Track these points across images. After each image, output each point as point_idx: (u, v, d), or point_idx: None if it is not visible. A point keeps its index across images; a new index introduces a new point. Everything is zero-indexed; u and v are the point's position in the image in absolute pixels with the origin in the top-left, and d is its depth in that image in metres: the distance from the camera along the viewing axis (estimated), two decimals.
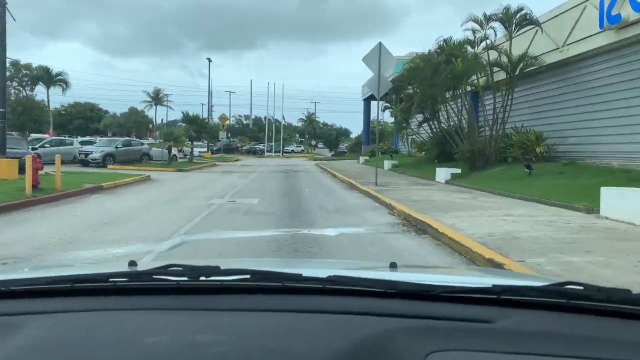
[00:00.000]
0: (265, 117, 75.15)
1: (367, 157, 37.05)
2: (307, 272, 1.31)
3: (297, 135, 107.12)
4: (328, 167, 28.43)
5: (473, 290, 1.19)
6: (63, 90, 43.67)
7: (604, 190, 9.60)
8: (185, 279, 1.20)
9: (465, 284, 1.33)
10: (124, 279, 1.24)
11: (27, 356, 0.92)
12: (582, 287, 1.15)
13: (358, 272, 1.59)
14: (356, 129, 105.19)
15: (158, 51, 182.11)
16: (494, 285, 1.20)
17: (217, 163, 37.60)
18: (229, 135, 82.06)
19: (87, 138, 40.63)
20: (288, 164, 39.97)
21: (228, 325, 1.04)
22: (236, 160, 47.61)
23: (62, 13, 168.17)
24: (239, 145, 69.67)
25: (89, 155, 26.62)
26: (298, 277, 1.22)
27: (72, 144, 29.32)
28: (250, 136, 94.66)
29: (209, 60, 45.55)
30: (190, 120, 32.91)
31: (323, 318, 1.08)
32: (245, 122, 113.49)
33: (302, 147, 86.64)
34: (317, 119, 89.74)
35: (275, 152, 69.35)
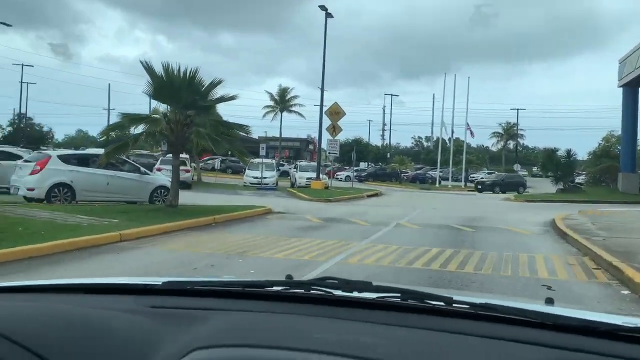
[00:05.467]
0: (441, 133, 50.83)
1: None
2: (458, 297, 1.26)
3: (487, 158, 79.30)
4: None
5: None
6: None
7: None
8: (340, 292, 1.25)
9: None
10: (286, 287, 1.33)
11: (211, 340, 1.04)
12: None
13: (512, 303, 1.38)
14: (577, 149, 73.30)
15: (357, 82, 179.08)
16: None
17: (277, 211, 15.33)
18: (389, 155, 59.84)
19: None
20: (468, 223, 15.61)
21: (384, 335, 1.07)
22: (371, 196, 24.95)
23: (278, 54, 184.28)
24: (399, 169, 46.61)
25: None
26: (448, 300, 1.21)
27: None
28: (426, 159, 72.51)
29: (325, 9, 23.94)
30: (166, 83, 11.06)
31: (474, 340, 1.06)
32: (426, 144, 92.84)
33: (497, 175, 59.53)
34: (520, 132, 61.47)
35: (453, 181, 45.00)
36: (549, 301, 1.48)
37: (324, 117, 25.90)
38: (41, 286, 1.48)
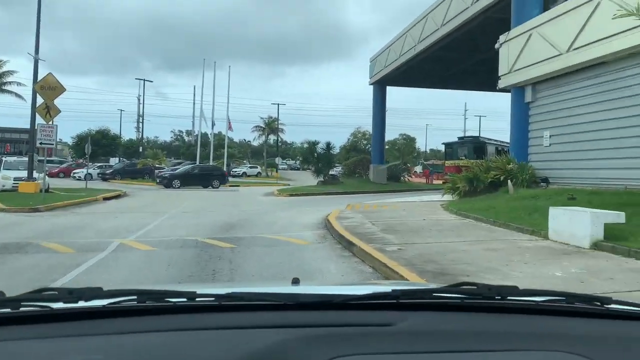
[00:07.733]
0: (200, 126, 46.86)
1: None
2: (202, 290, 1.20)
3: (250, 152, 79.14)
4: None
5: (373, 296, 1.19)
6: None
7: None
8: (61, 304, 1.09)
9: (365, 292, 1.26)
10: None
11: None
12: (475, 287, 1.21)
13: (258, 288, 1.48)
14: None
15: (111, 70, 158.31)
16: (393, 290, 1.19)
17: None
18: (141, 149, 53.33)
19: None
20: (225, 233, 12.11)
21: (115, 345, 0.96)
22: (109, 199, 19.82)
23: (9, 28, 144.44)
24: (152, 164, 40.98)
25: None
26: (191, 295, 1.14)
27: None
28: (186, 154, 68.29)
29: None
30: None
31: (215, 335, 1.01)
32: (187, 138, 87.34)
33: (259, 169, 59.21)
34: (281, 126, 61.60)
35: None
36: (295, 281, 1.51)
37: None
38: None
